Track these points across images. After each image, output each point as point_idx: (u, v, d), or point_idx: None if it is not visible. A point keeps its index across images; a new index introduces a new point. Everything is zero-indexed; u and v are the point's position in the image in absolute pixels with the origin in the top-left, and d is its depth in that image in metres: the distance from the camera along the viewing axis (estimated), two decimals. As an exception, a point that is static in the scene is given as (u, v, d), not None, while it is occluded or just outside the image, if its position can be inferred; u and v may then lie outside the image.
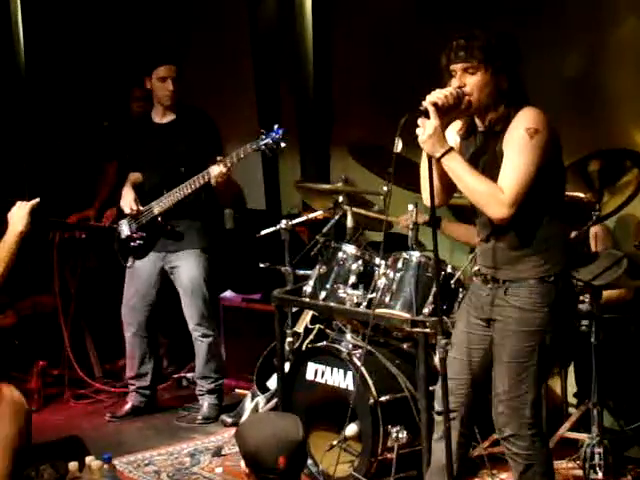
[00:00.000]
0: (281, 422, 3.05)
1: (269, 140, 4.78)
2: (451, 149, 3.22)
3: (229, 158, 4.89)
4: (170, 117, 5.27)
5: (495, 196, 3.17)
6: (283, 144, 4.80)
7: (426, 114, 3.17)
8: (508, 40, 3.30)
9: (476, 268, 3.45)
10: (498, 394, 3.34)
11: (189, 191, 5.03)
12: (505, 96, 3.23)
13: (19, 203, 3.86)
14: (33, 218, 3.82)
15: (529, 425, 3.31)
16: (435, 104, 3.16)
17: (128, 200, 5.25)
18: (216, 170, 4.90)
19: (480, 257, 3.42)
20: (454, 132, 3.37)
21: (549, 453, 3.43)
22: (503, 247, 3.30)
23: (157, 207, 5.18)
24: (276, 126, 4.81)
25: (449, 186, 3.34)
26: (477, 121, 3.34)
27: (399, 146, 3.15)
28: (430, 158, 3.21)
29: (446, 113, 3.20)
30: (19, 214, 3.82)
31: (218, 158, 4.91)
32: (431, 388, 3.83)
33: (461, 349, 3.41)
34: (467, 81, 3.22)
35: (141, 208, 5.23)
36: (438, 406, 3.47)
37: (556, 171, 3.28)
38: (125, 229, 5.32)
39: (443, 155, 3.20)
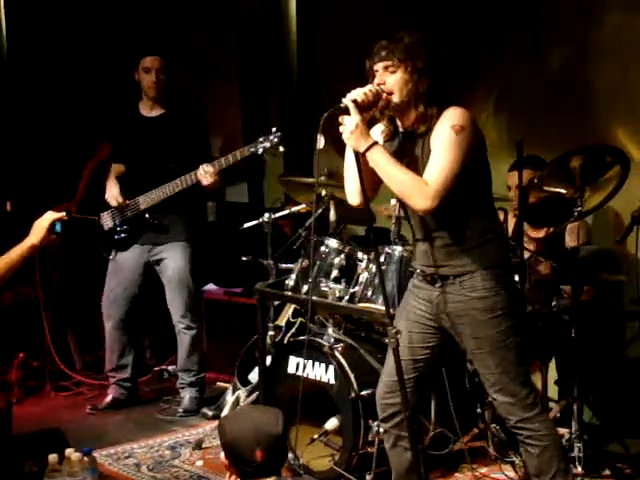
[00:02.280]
0: (261, 415, 3.06)
1: (267, 144, 4.79)
2: (375, 143, 3.27)
3: (219, 161, 4.90)
4: (159, 111, 5.24)
5: (419, 187, 3.22)
6: (282, 148, 4.82)
7: (346, 111, 3.23)
8: (432, 41, 3.38)
9: (418, 270, 3.49)
10: (492, 385, 3.38)
11: (178, 189, 5.04)
12: (425, 96, 3.29)
13: (48, 213, 3.68)
14: (62, 232, 3.66)
15: (531, 405, 3.37)
16: (355, 101, 3.24)
17: (114, 193, 5.24)
18: (201, 171, 4.91)
19: (420, 258, 3.46)
20: (378, 135, 3.43)
21: (557, 433, 3.50)
22: (442, 244, 3.36)
23: (144, 202, 5.17)
24: (274, 129, 4.82)
25: (374, 182, 3.39)
26: (398, 122, 3.41)
27: (322, 142, 3.25)
28: (357, 154, 3.26)
29: (366, 109, 3.28)
30: (39, 225, 3.64)
31: (203, 168, 4.92)
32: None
33: (404, 349, 3.42)
34: (387, 80, 3.30)
35: (126, 202, 5.22)
36: (382, 412, 3.54)
37: (482, 167, 3.37)
38: (108, 221, 5.31)
39: (367, 149, 3.25)
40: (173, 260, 5.24)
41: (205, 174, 4.92)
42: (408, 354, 3.44)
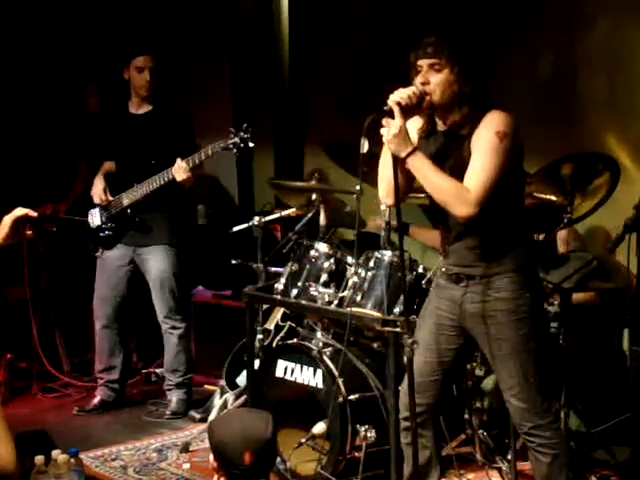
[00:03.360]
0: (251, 418, 3.05)
1: (237, 139, 4.78)
2: (416, 149, 3.23)
3: (193, 157, 4.89)
4: (146, 108, 5.26)
5: (461, 195, 3.20)
6: (251, 144, 4.80)
7: (390, 114, 3.18)
8: (474, 43, 3.37)
9: (443, 268, 3.47)
10: (509, 388, 3.36)
11: (156, 186, 5.03)
12: (468, 98, 3.26)
13: (17, 209, 3.55)
14: (26, 227, 3.55)
15: (545, 413, 3.37)
16: (399, 103, 3.18)
17: (98, 190, 5.25)
18: (178, 167, 4.89)
19: (450, 256, 3.43)
20: (414, 130, 3.38)
21: (567, 442, 3.51)
22: (474, 245, 3.34)
23: (126, 199, 5.18)
24: (245, 125, 4.80)
25: (406, 186, 3.36)
26: (438, 121, 3.36)
27: (365, 146, 3.16)
28: (395, 158, 3.21)
29: (409, 112, 3.22)
30: (4, 222, 3.52)
31: (178, 163, 4.91)
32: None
33: (430, 351, 3.43)
34: (431, 79, 3.25)
35: (110, 198, 5.22)
36: (405, 411, 3.50)
37: (518, 172, 3.36)
38: (96, 219, 5.31)
39: (409, 155, 3.21)
40: (155, 263, 5.24)
41: (179, 169, 4.92)
42: (434, 356, 3.41)
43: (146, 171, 5.08)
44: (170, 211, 5.24)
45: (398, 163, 3.21)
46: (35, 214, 3.59)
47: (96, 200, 5.26)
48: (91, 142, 5.64)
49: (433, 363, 3.43)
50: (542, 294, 3.51)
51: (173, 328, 5.30)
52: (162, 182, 5.01)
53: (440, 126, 3.37)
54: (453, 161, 3.30)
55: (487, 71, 3.37)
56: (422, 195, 3.48)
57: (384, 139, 3.22)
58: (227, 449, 2.93)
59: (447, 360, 3.47)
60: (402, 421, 3.56)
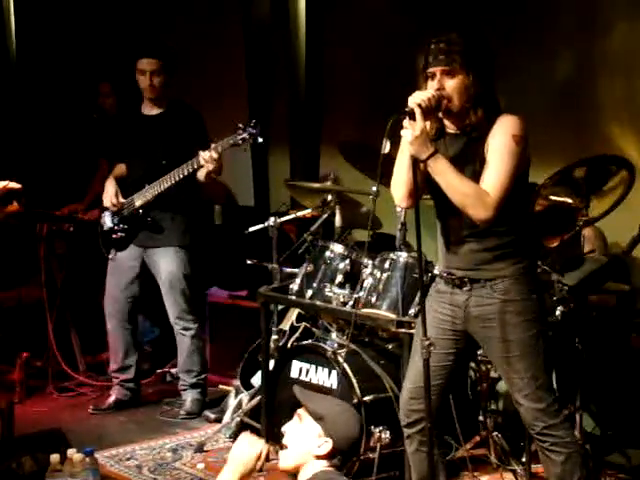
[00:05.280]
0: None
1: (246, 135, 4.78)
2: (437, 151, 3.21)
3: (214, 147, 4.87)
4: (159, 110, 5.26)
5: (482, 198, 3.20)
6: (260, 139, 4.80)
7: (412, 115, 3.17)
8: (485, 43, 3.33)
9: (444, 273, 3.44)
10: (519, 390, 3.35)
11: (173, 182, 5.00)
12: (483, 100, 3.26)
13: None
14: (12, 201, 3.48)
15: (556, 412, 3.37)
16: (420, 105, 3.17)
17: (109, 194, 5.25)
18: (206, 155, 4.83)
19: (453, 260, 3.41)
20: None
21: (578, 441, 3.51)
22: (478, 249, 3.34)
23: (139, 200, 5.18)
24: (254, 121, 4.80)
25: (422, 189, 3.35)
26: (447, 123, 3.35)
27: (387, 147, 3.14)
28: (415, 160, 3.20)
29: (428, 115, 3.21)
30: None
31: (211, 147, 4.86)
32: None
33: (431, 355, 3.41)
34: (447, 84, 3.24)
35: (122, 200, 5.23)
36: (406, 418, 3.50)
37: (526, 176, 3.36)
38: (108, 221, 5.32)
39: (430, 157, 3.20)
40: (165, 265, 5.24)
41: (209, 159, 4.80)
42: (434, 360, 3.35)
43: (157, 172, 5.08)
44: (182, 212, 5.24)
45: (418, 165, 3.21)
46: (19, 186, 3.52)
47: (107, 204, 5.26)
48: (108, 143, 5.65)
49: (432, 368, 3.39)
50: (543, 296, 3.51)
51: (185, 329, 5.30)
52: (184, 174, 4.97)
53: (450, 129, 3.36)
54: (469, 164, 3.29)
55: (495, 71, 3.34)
56: (427, 197, 3.48)
57: (405, 141, 3.20)
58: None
59: (447, 365, 3.46)
60: (404, 429, 3.54)
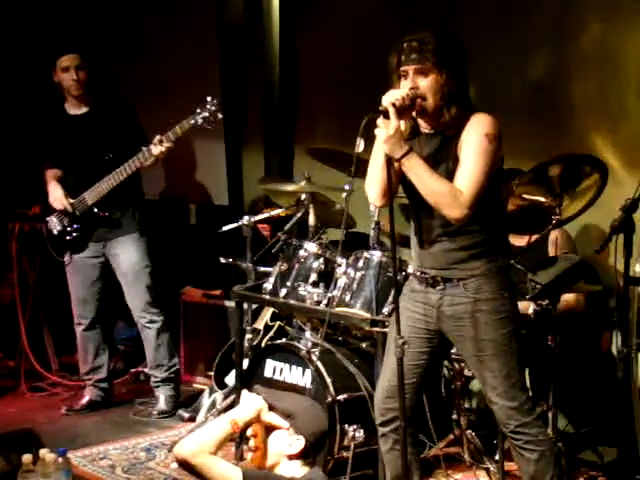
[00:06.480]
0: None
1: (206, 113, 4.76)
2: (411, 149, 3.22)
3: (167, 134, 4.86)
4: (86, 107, 5.22)
5: (456, 197, 3.21)
6: (220, 115, 4.79)
7: (386, 114, 3.17)
8: (457, 42, 3.33)
9: (418, 272, 3.45)
10: (493, 389, 3.37)
11: (126, 174, 4.99)
12: (456, 99, 3.26)
13: None
14: None
15: (530, 410, 3.39)
16: (394, 104, 3.17)
17: (58, 196, 5.17)
18: (157, 150, 4.86)
19: (426, 259, 3.42)
20: None
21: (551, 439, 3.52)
22: (450, 248, 3.35)
23: (90, 197, 5.12)
24: (209, 98, 4.79)
25: (396, 188, 3.37)
26: (421, 122, 3.36)
27: (361, 146, 3.15)
28: (389, 159, 3.20)
29: (402, 114, 3.21)
30: None
31: (157, 138, 4.86)
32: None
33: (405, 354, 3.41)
34: (420, 83, 3.24)
35: (72, 201, 5.17)
36: (381, 416, 3.50)
37: (499, 175, 3.37)
38: (57, 224, 5.23)
39: (404, 156, 3.20)
40: (127, 255, 5.21)
41: (157, 143, 4.84)
42: (408, 359, 3.36)
43: (103, 167, 5.05)
44: (133, 204, 5.23)
45: (392, 164, 3.21)
46: None
47: (58, 207, 5.17)
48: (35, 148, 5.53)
49: (406, 367, 3.39)
50: (516, 295, 3.52)
51: (151, 322, 5.26)
52: (137, 166, 4.96)
53: (424, 128, 3.36)
54: (443, 162, 3.30)
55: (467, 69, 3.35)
56: (402, 195, 3.48)
57: (379, 140, 3.20)
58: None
59: (421, 363, 3.47)
60: (379, 428, 3.55)
